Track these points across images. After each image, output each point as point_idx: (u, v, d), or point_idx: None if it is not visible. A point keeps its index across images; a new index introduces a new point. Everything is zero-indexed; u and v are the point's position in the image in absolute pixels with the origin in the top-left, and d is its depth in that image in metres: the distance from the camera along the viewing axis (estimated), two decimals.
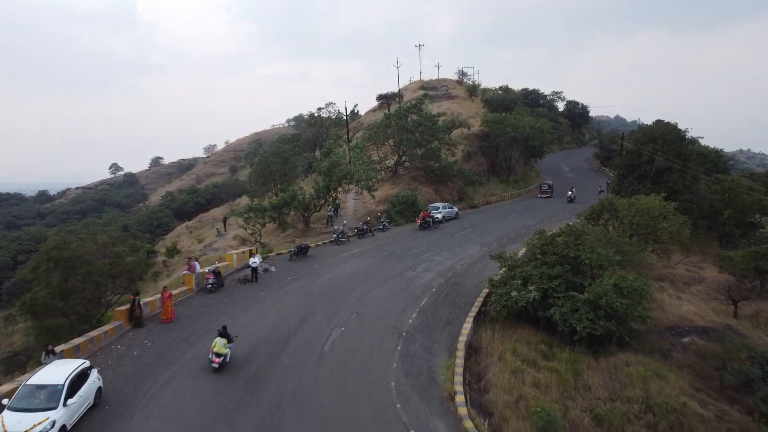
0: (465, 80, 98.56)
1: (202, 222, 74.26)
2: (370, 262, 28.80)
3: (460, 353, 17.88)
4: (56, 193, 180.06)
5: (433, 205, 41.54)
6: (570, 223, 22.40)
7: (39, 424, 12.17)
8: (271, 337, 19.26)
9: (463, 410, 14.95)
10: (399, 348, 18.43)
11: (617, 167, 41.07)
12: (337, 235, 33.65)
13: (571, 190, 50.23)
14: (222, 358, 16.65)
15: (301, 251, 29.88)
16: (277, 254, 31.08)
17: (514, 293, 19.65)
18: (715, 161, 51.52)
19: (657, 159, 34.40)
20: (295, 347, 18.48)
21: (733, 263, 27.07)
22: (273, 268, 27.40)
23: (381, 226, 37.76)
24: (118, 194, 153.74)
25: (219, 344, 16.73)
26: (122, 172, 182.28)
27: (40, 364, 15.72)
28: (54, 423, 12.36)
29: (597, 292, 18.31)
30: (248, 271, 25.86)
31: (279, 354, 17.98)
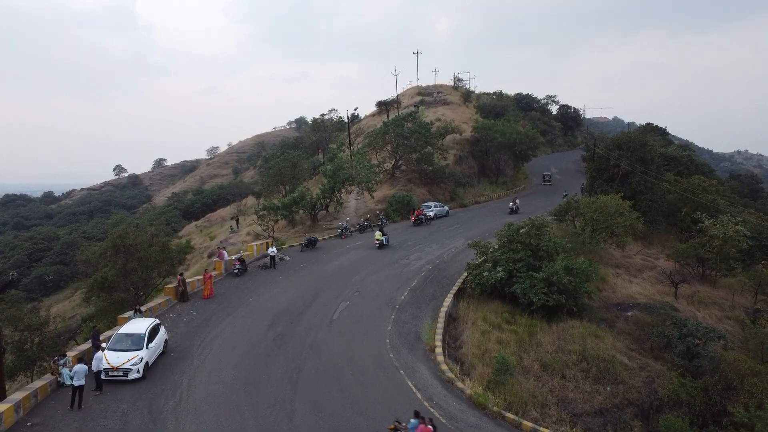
0: (460, 86, 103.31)
1: (210, 221, 78.73)
2: (369, 253, 33.57)
3: (441, 320, 22.59)
4: (61, 194, 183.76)
5: (425, 204, 46.27)
6: (532, 218, 27.11)
7: (132, 358, 16.99)
8: (290, 309, 23.99)
9: (440, 358, 19.72)
10: (393, 316, 23.18)
11: (589, 171, 45.87)
12: (342, 230, 38.40)
13: (513, 201, 46.66)
14: (379, 242, 33.16)
15: (311, 243, 34.66)
16: (289, 246, 35.85)
17: (485, 273, 24.40)
18: (687, 163, 56.37)
19: (622, 164, 39.16)
20: (310, 316, 23.22)
21: (678, 253, 31.86)
22: (287, 257, 32.13)
23: (380, 223, 42.44)
24: (123, 195, 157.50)
25: (377, 234, 33.53)
26: (126, 174, 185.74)
27: (84, 341, 20.37)
28: (141, 359, 17.15)
29: (550, 272, 23.03)
30: (267, 259, 30.59)
31: (298, 320, 22.72)
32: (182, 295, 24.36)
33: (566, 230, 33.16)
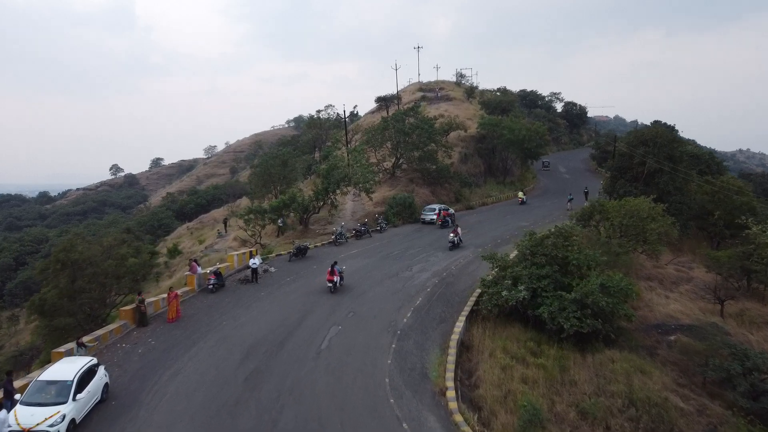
0: (463, 82, 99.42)
1: (202, 223, 74.79)
2: (367, 263, 29.54)
3: (452, 351, 18.55)
4: (57, 195, 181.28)
5: (429, 206, 42.26)
6: (559, 225, 23.10)
7: (50, 417, 12.85)
8: (269, 336, 19.94)
9: (453, 405, 15.65)
10: (393, 345, 19.13)
11: (609, 169, 41.80)
12: (336, 236, 34.38)
13: (454, 231, 33.02)
14: (522, 200, 43.85)
15: (300, 252, 30.62)
16: (277, 255, 31.81)
17: (504, 292, 20.37)
18: (708, 162, 52.33)
19: (648, 162, 35.11)
20: (293, 345, 19.17)
21: (720, 263, 27.80)
22: (273, 269, 28.11)
23: (379, 227, 38.50)
24: (119, 195, 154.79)
25: (520, 194, 41.16)
26: (123, 173, 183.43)
27: (48, 362, 16.46)
28: (64, 417, 13.04)
29: (584, 292, 19.03)
30: (248, 272, 26.58)
31: (278, 351, 18.67)
32: (141, 318, 20.35)
33: (590, 237, 29.11)
